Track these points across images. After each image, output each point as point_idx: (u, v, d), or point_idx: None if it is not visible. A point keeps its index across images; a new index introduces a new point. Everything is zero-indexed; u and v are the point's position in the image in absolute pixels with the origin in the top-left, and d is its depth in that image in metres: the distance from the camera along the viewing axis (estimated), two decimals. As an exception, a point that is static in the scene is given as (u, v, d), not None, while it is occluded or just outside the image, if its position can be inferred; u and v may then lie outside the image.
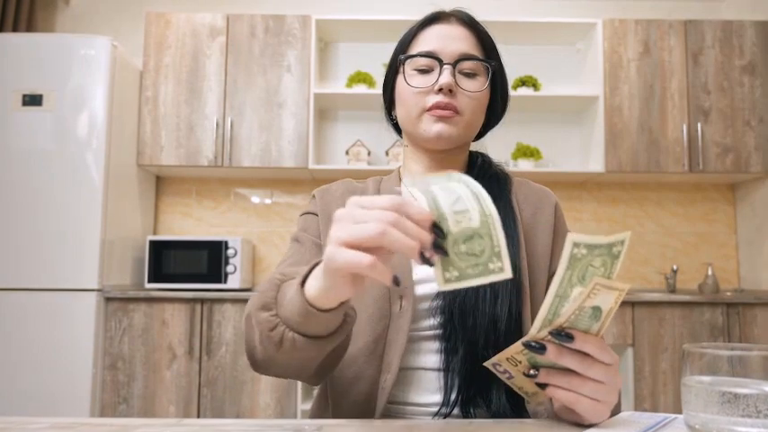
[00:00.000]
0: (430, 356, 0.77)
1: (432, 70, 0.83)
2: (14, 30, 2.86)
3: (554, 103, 2.94)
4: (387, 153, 2.93)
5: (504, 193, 0.85)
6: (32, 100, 2.45)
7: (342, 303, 0.55)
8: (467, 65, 0.83)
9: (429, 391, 0.76)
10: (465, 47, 0.83)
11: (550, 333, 0.55)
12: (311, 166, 2.77)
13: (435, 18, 0.86)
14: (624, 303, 2.47)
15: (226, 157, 2.77)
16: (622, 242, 0.50)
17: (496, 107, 0.90)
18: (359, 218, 0.47)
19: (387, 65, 0.90)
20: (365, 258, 0.46)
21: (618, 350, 2.56)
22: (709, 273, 2.82)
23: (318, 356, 0.61)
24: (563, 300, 0.53)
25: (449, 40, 0.83)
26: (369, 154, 2.92)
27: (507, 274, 0.48)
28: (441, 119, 0.81)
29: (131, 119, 2.73)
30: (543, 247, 0.83)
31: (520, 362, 0.58)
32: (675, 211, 3.11)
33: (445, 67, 0.81)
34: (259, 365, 0.67)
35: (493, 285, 0.74)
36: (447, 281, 0.49)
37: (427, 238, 0.47)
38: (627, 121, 2.81)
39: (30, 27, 2.94)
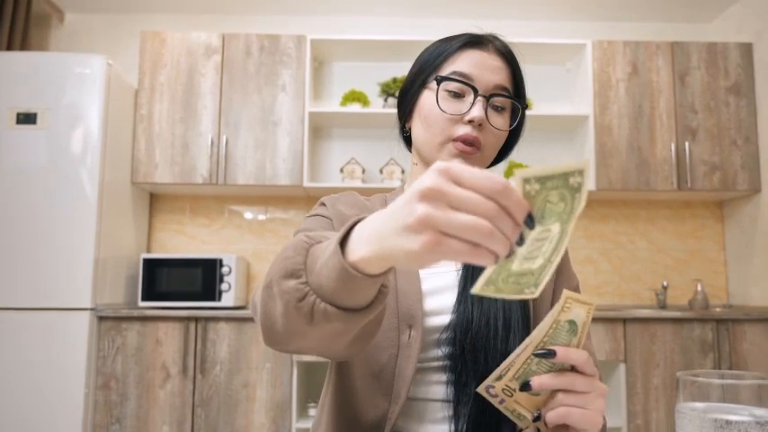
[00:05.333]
0: (436, 387, 0.76)
1: (463, 96, 0.80)
2: (8, 48, 2.86)
3: (545, 121, 2.98)
4: (381, 171, 2.96)
5: None
6: (26, 118, 2.45)
7: (386, 271, 0.48)
8: (499, 99, 0.81)
9: (433, 422, 0.75)
10: (500, 79, 0.81)
11: (534, 354, 0.57)
12: (306, 184, 2.78)
13: (474, 42, 0.83)
14: (616, 320, 2.50)
15: (220, 175, 2.78)
16: (581, 172, 0.43)
17: (507, 147, 0.89)
18: (455, 201, 0.40)
19: (408, 74, 0.86)
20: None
21: (610, 366, 2.58)
22: (699, 289, 2.86)
23: (351, 331, 0.56)
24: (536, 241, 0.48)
25: (486, 69, 0.80)
26: (363, 172, 2.94)
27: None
28: (462, 153, 0.79)
29: (126, 137, 2.74)
30: None
31: (514, 390, 0.60)
32: (665, 228, 3.15)
33: (479, 99, 0.79)
34: (279, 340, 0.60)
35: (506, 320, 0.75)
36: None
37: (517, 236, 0.42)
38: (616, 139, 2.86)
39: (24, 45, 2.95)
